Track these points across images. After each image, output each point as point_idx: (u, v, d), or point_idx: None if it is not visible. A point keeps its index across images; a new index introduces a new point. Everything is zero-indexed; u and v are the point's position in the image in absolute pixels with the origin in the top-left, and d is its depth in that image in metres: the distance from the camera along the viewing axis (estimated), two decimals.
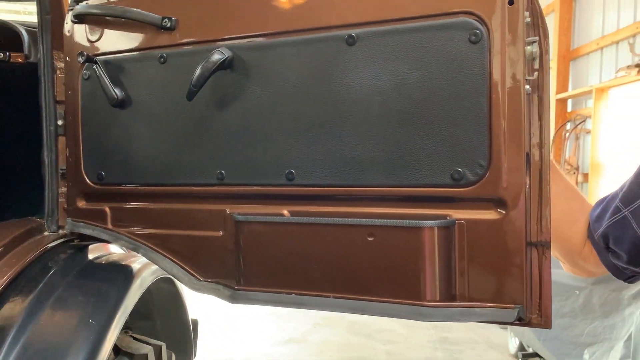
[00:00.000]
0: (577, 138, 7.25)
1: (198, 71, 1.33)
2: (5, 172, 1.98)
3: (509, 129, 1.14)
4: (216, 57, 1.33)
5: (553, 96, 7.32)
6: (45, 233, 1.62)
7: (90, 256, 1.64)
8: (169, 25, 1.43)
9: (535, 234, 1.16)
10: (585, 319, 3.30)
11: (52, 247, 1.56)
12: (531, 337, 4.17)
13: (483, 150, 1.16)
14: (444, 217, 1.21)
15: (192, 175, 1.45)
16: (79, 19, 1.54)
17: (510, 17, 1.13)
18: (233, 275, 1.40)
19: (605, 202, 1.17)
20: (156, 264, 1.51)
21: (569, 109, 7.58)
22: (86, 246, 1.68)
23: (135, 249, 1.53)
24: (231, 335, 5.56)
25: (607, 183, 6.56)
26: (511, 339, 5.03)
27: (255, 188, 1.39)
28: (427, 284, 1.18)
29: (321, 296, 1.29)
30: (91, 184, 1.58)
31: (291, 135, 1.33)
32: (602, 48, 6.78)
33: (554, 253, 1.22)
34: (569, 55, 7.48)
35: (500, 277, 1.17)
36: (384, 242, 1.23)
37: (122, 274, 1.58)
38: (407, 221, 1.20)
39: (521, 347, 4.80)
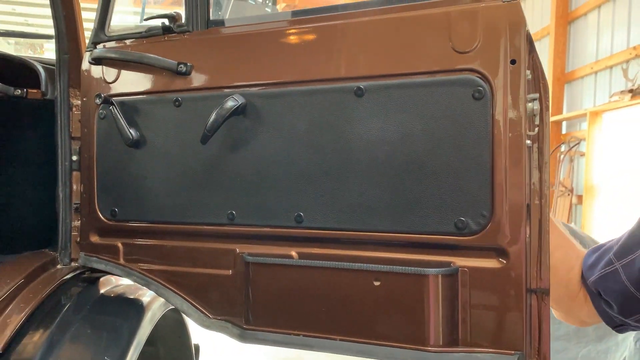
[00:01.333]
0: (572, 160, 7.34)
1: (212, 117, 1.39)
2: (19, 206, 2.02)
3: (511, 181, 1.20)
4: (230, 103, 1.39)
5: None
6: (59, 266, 1.66)
7: (102, 289, 1.69)
8: (184, 70, 1.49)
9: (534, 280, 1.21)
10: (579, 343, 3.33)
11: (66, 280, 1.60)
12: None
13: (486, 201, 1.22)
14: (447, 264, 1.26)
15: (203, 215, 1.50)
16: (97, 61, 1.60)
17: (513, 76, 1.20)
18: (242, 313, 1.44)
19: (600, 252, 1.22)
20: (166, 300, 1.56)
21: (564, 131, 7.67)
22: (97, 278, 1.72)
23: (147, 285, 1.57)
24: (225, 354, 5.56)
25: (600, 205, 6.64)
26: None
27: (264, 229, 1.44)
28: (431, 330, 1.24)
29: (328, 338, 1.33)
30: (105, 219, 1.63)
31: (300, 180, 1.38)
32: (596, 72, 6.89)
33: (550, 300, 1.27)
34: (563, 78, 7.59)
35: (501, 323, 1.22)
36: (389, 288, 1.28)
37: (133, 308, 1.63)
38: (413, 268, 1.26)
39: None
